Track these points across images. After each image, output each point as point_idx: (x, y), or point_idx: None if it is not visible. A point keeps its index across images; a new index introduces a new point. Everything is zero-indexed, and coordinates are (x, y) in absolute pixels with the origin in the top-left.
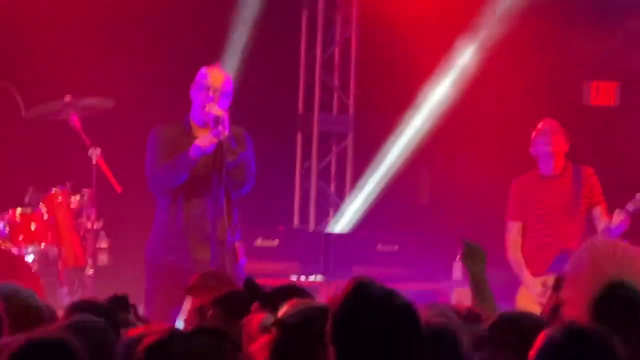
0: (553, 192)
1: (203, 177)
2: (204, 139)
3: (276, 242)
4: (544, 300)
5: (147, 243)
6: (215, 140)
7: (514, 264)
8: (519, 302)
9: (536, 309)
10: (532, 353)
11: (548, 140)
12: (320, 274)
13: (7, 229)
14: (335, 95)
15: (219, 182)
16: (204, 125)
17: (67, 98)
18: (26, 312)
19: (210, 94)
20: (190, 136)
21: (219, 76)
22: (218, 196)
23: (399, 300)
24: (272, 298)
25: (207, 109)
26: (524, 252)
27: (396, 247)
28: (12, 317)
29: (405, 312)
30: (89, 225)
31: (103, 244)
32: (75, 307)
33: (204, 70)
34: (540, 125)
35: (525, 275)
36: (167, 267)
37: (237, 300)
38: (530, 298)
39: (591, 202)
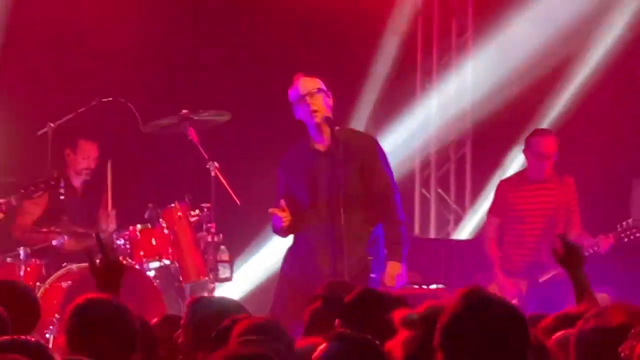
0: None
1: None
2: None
3: None
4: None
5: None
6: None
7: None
8: None
9: None
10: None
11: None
12: (442, 282)
13: (128, 245)
14: None
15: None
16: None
17: (184, 112)
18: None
19: (307, 101)
20: (314, 154)
21: (308, 80)
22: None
23: (507, 308)
24: (353, 309)
25: None
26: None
27: None
28: None
29: (513, 319)
30: (209, 239)
31: (224, 257)
32: None
33: (293, 85)
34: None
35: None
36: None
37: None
38: None
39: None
